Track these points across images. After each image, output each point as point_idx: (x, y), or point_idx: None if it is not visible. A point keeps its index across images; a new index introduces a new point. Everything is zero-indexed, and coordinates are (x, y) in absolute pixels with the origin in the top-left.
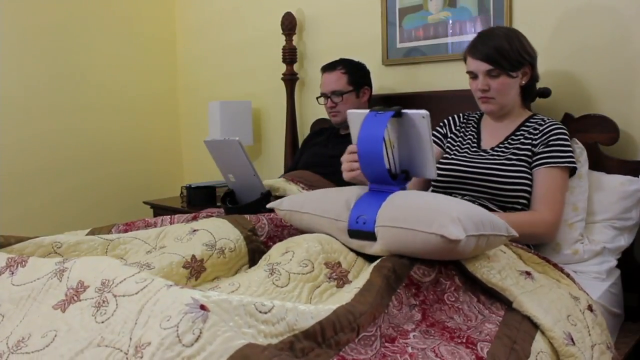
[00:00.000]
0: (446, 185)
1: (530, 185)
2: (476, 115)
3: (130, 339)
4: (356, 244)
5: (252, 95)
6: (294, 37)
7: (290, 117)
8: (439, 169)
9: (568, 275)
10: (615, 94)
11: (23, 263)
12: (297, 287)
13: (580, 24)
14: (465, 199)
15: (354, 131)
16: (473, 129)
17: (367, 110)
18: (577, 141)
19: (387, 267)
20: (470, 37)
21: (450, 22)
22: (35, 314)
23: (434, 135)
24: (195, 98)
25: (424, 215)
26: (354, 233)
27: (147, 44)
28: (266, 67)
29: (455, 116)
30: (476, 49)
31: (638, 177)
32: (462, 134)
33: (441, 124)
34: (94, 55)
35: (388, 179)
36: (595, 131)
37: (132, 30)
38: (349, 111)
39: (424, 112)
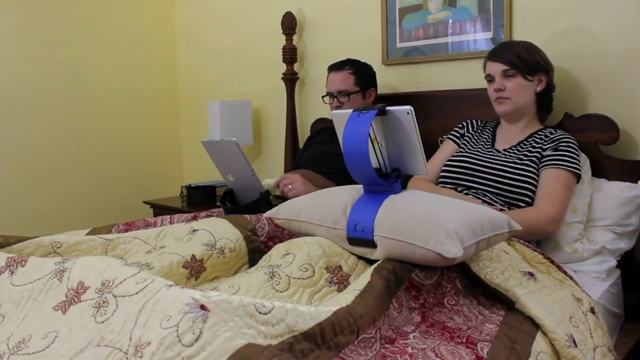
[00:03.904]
0: (455, 177)
1: (535, 185)
2: (493, 123)
3: (130, 338)
4: (357, 250)
5: (252, 95)
6: (294, 37)
7: (290, 117)
8: (451, 162)
9: (571, 278)
10: (615, 93)
11: (23, 263)
12: (297, 292)
13: (580, 23)
14: (471, 193)
15: (340, 132)
16: (489, 132)
17: (351, 111)
18: (580, 152)
19: (387, 269)
20: (470, 36)
21: (450, 21)
22: (36, 314)
23: (452, 134)
24: (195, 98)
25: (421, 228)
26: (353, 241)
27: (147, 44)
28: (266, 67)
29: (474, 120)
30: (495, 53)
31: (637, 183)
32: (477, 135)
33: (460, 125)
34: (93, 55)
35: (377, 179)
36: (595, 131)
37: (132, 30)
38: (333, 112)
39: (408, 107)
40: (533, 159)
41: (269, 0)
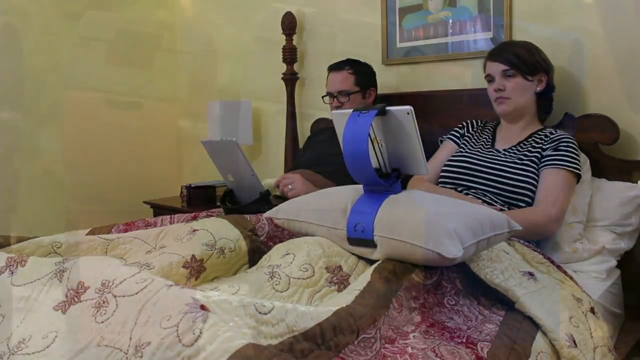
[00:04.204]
0: (455, 177)
1: (535, 185)
2: (493, 123)
3: (130, 338)
4: (357, 250)
5: (252, 95)
6: (294, 37)
7: (290, 117)
8: (451, 162)
9: (571, 278)
10: (615, 93)
11: (23, 263)
12: (297, 292)
13: (580, 23)
14: (471, 193)
15: (340, 132)
16: (489, 132)
17: (351, 111)
18: (580, 152)
19: (387, 269)
20: (470, 36)
21: (450, 21)
22: (36, 314)
23: (452, 134)
24: (195, 98)
25: (421, 228)
26: (354, 241)
27: (147, 44)
28: (266, 67)
29: (474, 120)
30: (495, 53)
31: (637, 183)
32: (477, 135)
33: (460, 125)
34: (93, 55)
35: (377, 179)
36: (595, 131)
37: (132, 30)
38: (333, 112)
39: (408, 107)
40: (533, 159)
41: (269, 0)
